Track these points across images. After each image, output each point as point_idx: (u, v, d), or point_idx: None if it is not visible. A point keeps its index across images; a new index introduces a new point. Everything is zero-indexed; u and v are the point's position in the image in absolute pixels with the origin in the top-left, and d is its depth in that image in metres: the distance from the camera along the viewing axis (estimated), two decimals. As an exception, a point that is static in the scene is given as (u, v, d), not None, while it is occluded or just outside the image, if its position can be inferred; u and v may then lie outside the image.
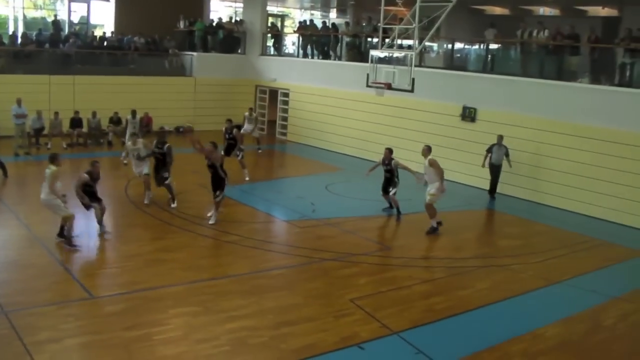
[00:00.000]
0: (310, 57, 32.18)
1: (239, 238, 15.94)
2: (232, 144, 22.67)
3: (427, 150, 17.26)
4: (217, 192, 16.76)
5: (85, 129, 27.52)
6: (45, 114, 26.93)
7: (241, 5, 37.93)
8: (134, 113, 26.40)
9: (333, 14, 45.98)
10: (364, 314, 11.91)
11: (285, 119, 32.69)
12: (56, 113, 27.11)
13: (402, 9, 22.16)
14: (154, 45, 34.30)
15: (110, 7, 36.66)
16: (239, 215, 18.18)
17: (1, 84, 27.33)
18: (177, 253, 14.57)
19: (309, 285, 13.41)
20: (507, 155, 21.18)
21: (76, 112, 27.55)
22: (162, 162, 18.60)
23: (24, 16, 34.75)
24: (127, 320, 11.17)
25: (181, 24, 35.27)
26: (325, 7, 45.70)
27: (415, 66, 21.02)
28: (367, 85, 21.95)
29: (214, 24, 36.24)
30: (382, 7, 21.86)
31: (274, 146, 31.08)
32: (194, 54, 33.70)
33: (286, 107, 32.48)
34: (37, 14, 36.31)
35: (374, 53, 22.12)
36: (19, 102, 25.59)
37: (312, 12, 45.53)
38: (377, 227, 18.19)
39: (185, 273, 13.55)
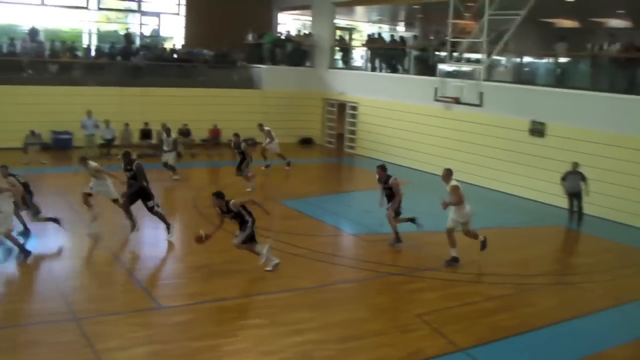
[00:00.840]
0: (378, 70, 32.23)
1: (306, 251, 15.96)
2: (242, 160, 22.39)
3: (449, 174, 15.68)
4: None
5: (154, 140, 27.99)
6: (116, 125, 27.57)
7: (309, 18, 38.17)
8: (167, 130, 24.41)
9: (401, 27, 45.99)
10: (430, 330, 11.82)
11: (353, 132, 32.69)
12: (126, 124, 27.69)
13: (470, 22, 22.08)
14: (223, 57, 34.72)
15: (180, 20, 37.29)
16: (307, 228, 18.23)
17: (74, 96, 28.10)
18: (244, 265, 14.59)
19: (376, 299, 13.41)
20: (583, 180, 20.15)
21: (146, 124, 28.05)
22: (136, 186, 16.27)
23: (98, 30, 35.52)
24: (194, 330, 11.31)
25: (250, 37, 35.58)
26: (393, 21, 45.72)
27: (484, 80, 20.93)
28: (435, 100, 21.89)
29: (283, 36, 36.59)
30: (450, 21, 21.83)
31: (342, 159, 31.12)
32: (263, 66, 34.01)
33: (354, 120, 32.49)
34: (110, 27, 37.08)
35: (442, 67, 22.07)
36: (88, 113, 26.28)
37: (380, 25, 45.59)
38: (443, 243, 17.84)
39: (252, 285, 13.69)
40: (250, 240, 14.08)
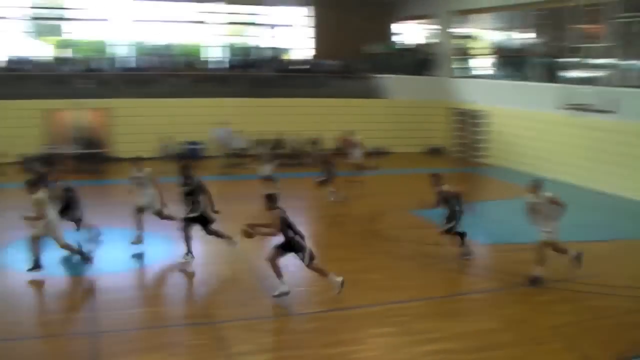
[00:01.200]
0: (503, 78, 31.79)
1: (436, 261, 15.92)
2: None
3: (539, 185, 14.66)
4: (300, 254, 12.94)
5: (286, 150, 28.54)
6: (245, 135, 28.24)
7: (431, 27, 38.08)
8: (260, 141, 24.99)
9: (525, 34, 45.28)
10: (564, 343, 11.46)
11: (482, 141, 32.30)
12: (255, 134, 28.38)
13: (597, 26, 21.56)
14: (347, 68, 35.00)
15: (305, 32, 37.94)
16: (437, 237, 18.10)
17: (205, 107, 29.08)
18: (375, 274, 14.66)
19: (508, 310, 13.13)
20: None
21: (276, 134, 28.64)
22: (195, 203, 15.09)
23: (225, 43, 36.40)
24: (325, 337, 11.39)
25: (372, 47, 35.73)
26: (516, 28, 45.10)
27: (614, 86, 20.36)
28: (564, 107, 21.43)
29: (403, 46, 36.59)
30: (577, 26, 21.36)
31: (471, 169, 30.77)
32: (386, 76, 34.10)
33: (481, 129, 32.11)
34: (237, 40, 37.95)
35: (569, 74, 21.61)
36: (220, 124, 27.03)
37: (504, 32, 45.00)
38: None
39: (382, 294, 13.61)
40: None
